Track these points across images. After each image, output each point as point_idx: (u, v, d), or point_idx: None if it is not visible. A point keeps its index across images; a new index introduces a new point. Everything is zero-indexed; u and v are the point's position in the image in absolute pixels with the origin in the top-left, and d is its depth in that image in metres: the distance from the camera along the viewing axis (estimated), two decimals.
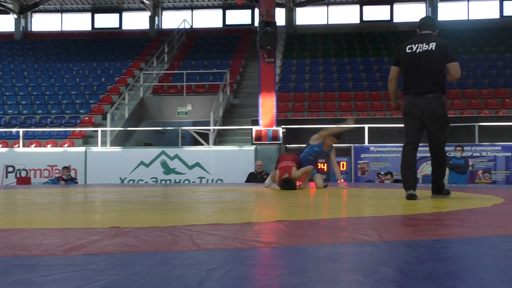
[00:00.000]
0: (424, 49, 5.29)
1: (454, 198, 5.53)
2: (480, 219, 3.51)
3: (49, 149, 15.04)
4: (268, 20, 13.11)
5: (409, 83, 5.35)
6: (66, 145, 15.70)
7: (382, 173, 12.29)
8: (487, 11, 26.06)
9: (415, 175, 5.40)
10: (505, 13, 25.88)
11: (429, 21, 5.75)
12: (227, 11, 27.61)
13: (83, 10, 27.95)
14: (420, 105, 5.27)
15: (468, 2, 26.17)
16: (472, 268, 1.85)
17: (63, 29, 27.89)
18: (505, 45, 22.17)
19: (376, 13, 26.61)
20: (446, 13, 26.05)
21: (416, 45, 5.34)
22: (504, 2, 25.90)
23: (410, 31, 25.14)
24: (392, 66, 5.56)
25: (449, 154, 11.78)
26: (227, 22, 27.57)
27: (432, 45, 5.31)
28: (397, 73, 5.53)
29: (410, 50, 5.34)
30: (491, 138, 12.74)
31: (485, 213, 3.94)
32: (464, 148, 11.85)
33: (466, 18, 25.89)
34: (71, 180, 12.35)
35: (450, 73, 5.34)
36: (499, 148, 12.15)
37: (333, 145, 8.39)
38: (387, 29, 25.78)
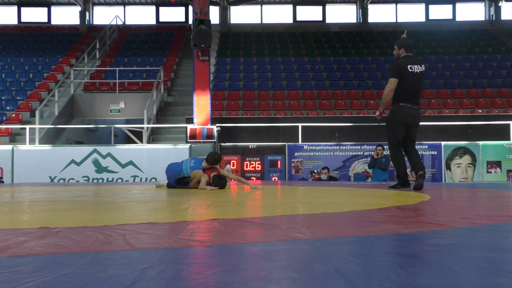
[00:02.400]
0: (420, 70, 6.60)
1: (383, 195, 5.70)
2: (409, 216, 3.63)
3: None
4: (202, 18, 13.05)
5: (406, 95, 6.56)
6: None
7: (315, 171, 12.50)
8: (414, 14, 27.07)
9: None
10: (430, 17, 26.99)
11: (412, 43, 6.92)
12: (161, 8, 27.31)
13: (9, 3, 26.87)
14: (412, 114, 6.60)
15: (396, 5, 27.08)
16: (401, 263, 1.91)
17: None
18: (430, 47, 23.13)
19: (309, 13, 27.06)
20: (376, 15, 26.85)
21: (414, 66, 6.57)
22: (430, 6, 26.98)
23: (341, 32, 25.80)
24: (394, 78, 6.53)
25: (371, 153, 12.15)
26: (161, 19, 27.27)
27: (423, 67, 6.67)
28: (396, 85, 6.54)
29: (411, 70, 6.54)
30: (418, 138, 13.21)
31: (413, 210, 4.07)
32: None
33: (395, 21, 26.79)
34: None
35: None
36: (426, 147, 12.62)
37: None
38: (319, 29, 26.28)
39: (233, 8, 26.64)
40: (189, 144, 12.69)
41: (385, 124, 6.94)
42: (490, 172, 12.51)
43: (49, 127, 15.63)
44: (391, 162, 12.02)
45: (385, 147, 12.11)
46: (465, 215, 3.56)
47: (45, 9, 27.11)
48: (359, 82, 19.90)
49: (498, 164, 12.54)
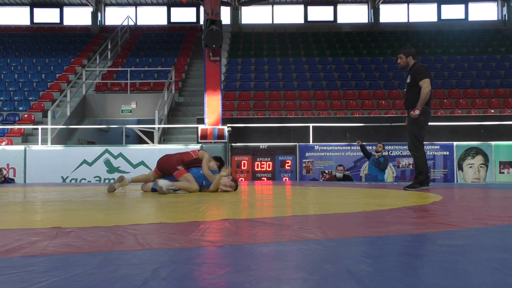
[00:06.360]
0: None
1: (395, 196, 5.68)
2: (420, 216, 3.61)
3: None
4: (213, 19, 13.08)
5: (429, 97, 6.83)
6: (4, 143, 15.18)
7: (326, 171, 12.47)
8: (426, 14, 26.92)
9: None
10: (443, 17, 26.83)
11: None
12: (172, 9, 27.37)
13: (21, 4, 27.05)
14: (430, 115, 7.04)
15: (408, 5, 26.94)
16: (412, 264, 1.90)
17: None
18: (442, 47, 23.00)
19: (320, 13, 26.99)
20: (387, 15, 26.74)
21: None
22: (442, 6, 26.82)
23: (353, 32, 25.71)
24: (428, 78, 6.75)
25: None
26: (172, 20, 27.33)
27: None
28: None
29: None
30: (430, 138, 13.15)
31: (424, 210, 4.05)
32: (404, 147, 12.15)
33: (406, 21, 26.65)
34: (8, 182, 11.78)
35: None
36: (438, 147, 12.55)
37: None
38: (331, 29, 26.21)
39: (244, 9, 26.64)
40: (200, 145, 12.71)
41: (406, 124, 6.99)
42: (503, 173, 12.41)
43: (61, 127, 15.72)
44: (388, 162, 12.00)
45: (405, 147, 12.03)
46: (478, 216, 3.53)
47: (57, 9, 27.27)
48: (370, 82, 19.83)
49: (511, 164, 12.44)
